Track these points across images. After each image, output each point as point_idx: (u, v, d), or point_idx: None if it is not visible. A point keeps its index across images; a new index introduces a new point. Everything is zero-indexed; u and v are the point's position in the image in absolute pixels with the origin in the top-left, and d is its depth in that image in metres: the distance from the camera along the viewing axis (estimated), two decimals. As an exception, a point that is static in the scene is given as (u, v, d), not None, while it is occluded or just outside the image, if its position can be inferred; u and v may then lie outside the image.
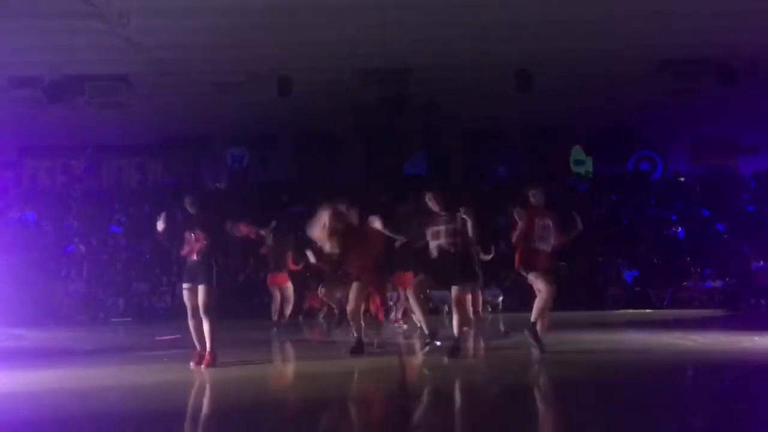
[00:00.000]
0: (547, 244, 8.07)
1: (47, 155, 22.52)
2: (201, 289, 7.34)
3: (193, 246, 7.36)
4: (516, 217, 8.04)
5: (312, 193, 19.67)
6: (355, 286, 8.50)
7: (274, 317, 12.56)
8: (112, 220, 20.99)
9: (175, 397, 6.29)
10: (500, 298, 16.26)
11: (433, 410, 5.54)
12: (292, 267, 12.79)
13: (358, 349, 8.35)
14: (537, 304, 7.99)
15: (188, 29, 14.29)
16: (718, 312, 15.44)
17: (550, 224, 8.09)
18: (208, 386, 6.77)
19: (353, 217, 8.61)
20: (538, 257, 7.99)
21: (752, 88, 16.87)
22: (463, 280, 7.74)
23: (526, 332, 8.03)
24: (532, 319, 8.02)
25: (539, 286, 7.96)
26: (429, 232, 7.81)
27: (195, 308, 7.43)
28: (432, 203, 7.82)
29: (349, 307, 8.54)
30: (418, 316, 9.65)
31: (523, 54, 15.63)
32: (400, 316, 12.94)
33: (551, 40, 15.07)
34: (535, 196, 8.13)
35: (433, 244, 7.75)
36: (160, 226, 7.49)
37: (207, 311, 7.38)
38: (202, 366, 7.34)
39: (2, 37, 14.19)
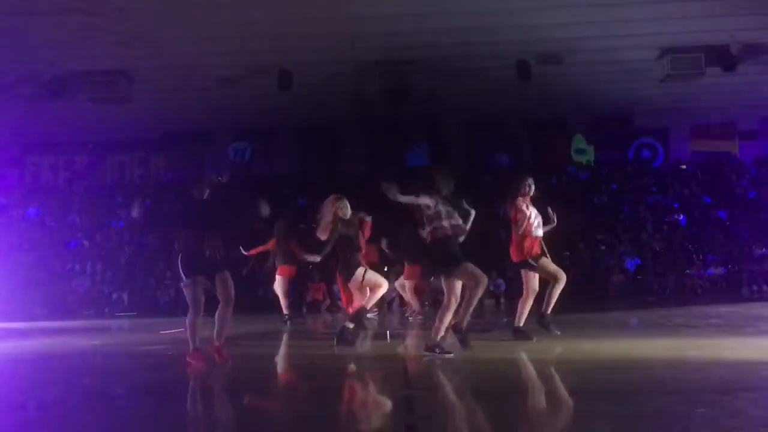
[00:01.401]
0: (541, 230, 8.19)
1: (50, 151, 22.56)
2: (223, 277, 7.02)
3: (209, 235, 7.01)
4: (517, 207, 8.08)
5: (315, 186, 19.76)
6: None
7: (287, 310, 12.58)
8: (114, 216, 21.04)
9: (176, 390, 6.36)
10: (503, 288, 16.34)
11: (431, 404, 5.58)
12: (297, 251, 12.83)
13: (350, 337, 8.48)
14: (554, 293, 8.13)
15: (189, 23, 14.32)
16: (720, 300, 15.43)
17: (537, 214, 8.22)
18: (215, 379, 6.82)
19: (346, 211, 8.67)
20: (537, 244, 8.10)
21: (752, 74, 16.87)
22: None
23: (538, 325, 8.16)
24: (548, 311, 8.16)
25: (528, 283, 8.08)
26: (429, 214, 7.19)
27: (202, 303, 7.06)
28: (437, 181, 7.36)
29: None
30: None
31: (523, 44, 15.65)
32: (419, 308, 12.85)
33: (552, 30, 15.09)
34: (530, 186, 8.17)
35: (434, 227, 7.18)
36: (136, 213, 7.23)
37: (231, 300, 7.09)
38: (218, 360, 7.08)
39: (4, 34, 14.22)
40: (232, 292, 7.09)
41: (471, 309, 7.22)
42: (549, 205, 8.35)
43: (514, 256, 8.13)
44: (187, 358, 7.08)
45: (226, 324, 7.17)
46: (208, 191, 7.26)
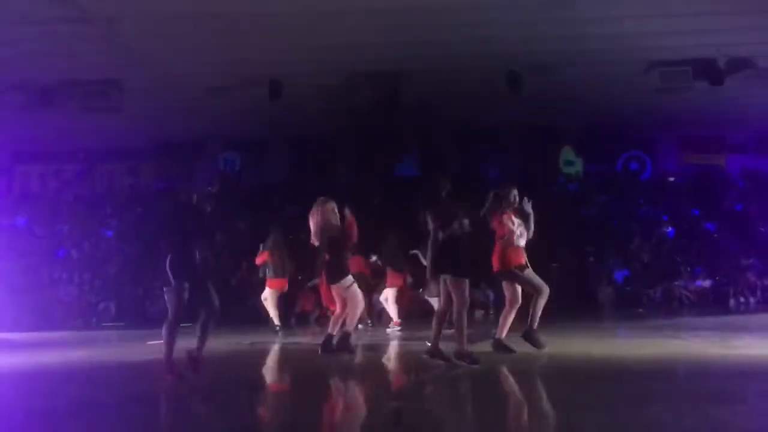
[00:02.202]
0: (524, 240, 8.19)
1: (39, 160, 22.46)
2: (207, 288, 6.97)
3: (198, 243, 6.98)
4: (500, 217, 8.11)
5: (305, 196, 19.76)
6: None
7: (278, 321, 12.56)
8: (104, 225, 20.96)
9: (164, 401, 6.34)
10: (492, 299, 16.35)
11: (418, 416, 5.58)
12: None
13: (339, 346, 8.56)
14: (537, 306, 8.09)
15: (179, 34, 14.32)
16: (707, 311, 15.52)
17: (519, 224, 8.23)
18: (203, 389, 6.80)
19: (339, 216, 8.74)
20: (521, 254, 8.10)
21: (740, 87, 17.01)
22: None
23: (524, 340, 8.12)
24: (534, 325, 8.11)
25: (511, 293, 8.06)
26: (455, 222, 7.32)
27: (184, 311, 6.94)
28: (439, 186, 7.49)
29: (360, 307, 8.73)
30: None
31: (513, 56, 15.73)
32: (398, 318, 12.84)
33: (542, 43, 15.18)
34: (515, 197, 8.20)
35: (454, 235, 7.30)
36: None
37: (215, 312, 7.00)
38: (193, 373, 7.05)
39: (-6, 43, 14.19)
40: (217, 304, 7.03)
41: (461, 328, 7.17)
42: (538, 215, 8.36)
43: (497, 265, 8.11)
44: (163, 373, 6.89)
45: (208, 336, 7.10)
46: (198, 200, 7.24)
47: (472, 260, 7.49)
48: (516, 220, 8.12)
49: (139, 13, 13.48)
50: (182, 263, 6.87)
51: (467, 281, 7.21)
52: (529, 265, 8.12)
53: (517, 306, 8.05)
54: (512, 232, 8.05)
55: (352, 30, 14.42)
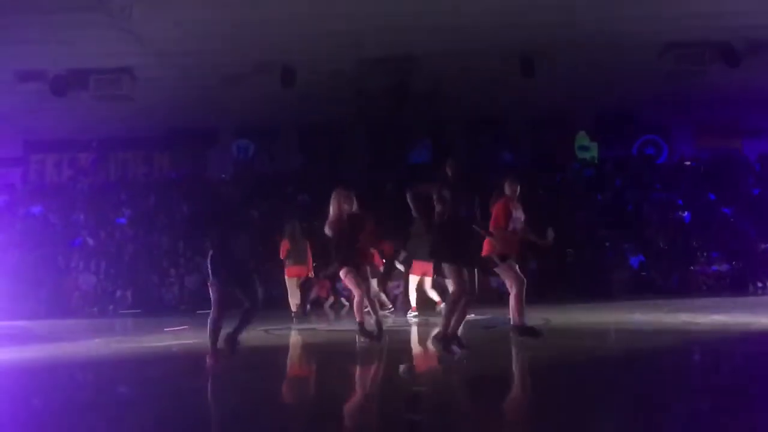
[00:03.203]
0: (517, 229, 8.12)
1: (53, 149, 22.58)
2: (250, 280, 7.01)
3: (237, 235, 6.98)
4: (500, 204, 8.06)
5: (317, 183, 19.76)
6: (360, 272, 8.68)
7: (295, 308, 12.59)
8: (119, 213, 21.06)
9: (180, 387, 6.37)
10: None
11: (436, 400, 5.58)
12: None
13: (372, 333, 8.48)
14: (514, 304, 7.94)
15: (192, 21, 14.33)
16: (724, 295, 15.43)
17: (521, 216, 8.13)
18: (221, 376, 6.83)
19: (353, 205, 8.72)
20: (512, 241, 8.00)
21: (756, 70, 16.83)
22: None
23: (516, 335, 7.97)
24: (518, 322, 7.95)
25: (510, 277, 7.94)
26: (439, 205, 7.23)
27: (227, 303, 6.97)
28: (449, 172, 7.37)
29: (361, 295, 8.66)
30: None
31: (526, 40, 15.63)
32: (415, 305, 12.82)
33: (554, 26, 15.06)
34: (511, 186, 8.14)
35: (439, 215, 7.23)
36: None
37: (257, 304, 7.05)
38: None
39: (7, 32, 14.24)
40: (259, 299, 7.04)
41: (451, 316, 7.00)
42: (552, 202, 8.32)
43: (486, 249, 7.98)
44: (207, 359, 6.99)
45: (246, 325, 7.10)
46: (229, 192, 7.29)
47: (474, 246, 7.37)
48: (515, 211, 8.05)
49: (152, 1, 13.50)
50: (221, 260, 6.88)
51: (464, 268, 6.95)
52: (515, 252, 8.01)
53: (523, 283, 7.90)
54: (511, 219, 7.97)
55: (364, 16, 14.37)
